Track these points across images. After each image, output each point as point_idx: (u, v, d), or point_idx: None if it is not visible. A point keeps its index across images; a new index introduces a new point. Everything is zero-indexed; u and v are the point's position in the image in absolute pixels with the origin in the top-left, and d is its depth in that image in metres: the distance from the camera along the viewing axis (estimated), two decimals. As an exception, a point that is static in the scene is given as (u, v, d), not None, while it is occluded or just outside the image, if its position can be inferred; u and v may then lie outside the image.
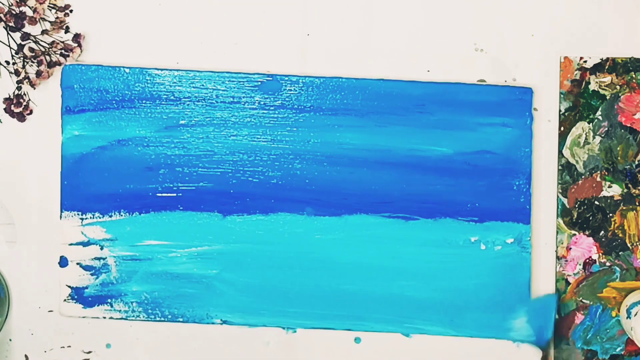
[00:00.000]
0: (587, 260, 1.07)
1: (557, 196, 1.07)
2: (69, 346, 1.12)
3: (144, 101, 1.07)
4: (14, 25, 1.07)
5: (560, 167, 1.06)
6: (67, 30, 1.08)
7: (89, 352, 1.12)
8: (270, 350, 1.10)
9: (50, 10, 1.08)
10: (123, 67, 1.08)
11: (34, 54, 1.07)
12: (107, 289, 1.09)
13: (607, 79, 1.06)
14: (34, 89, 1.08)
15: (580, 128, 1.06)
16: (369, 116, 1.06)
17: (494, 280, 1.07)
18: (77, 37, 1.07)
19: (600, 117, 1.06)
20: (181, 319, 1.09)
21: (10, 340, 1.12)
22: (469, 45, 1.07)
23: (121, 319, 1.10)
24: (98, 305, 1.10)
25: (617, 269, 1.07)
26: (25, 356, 1.12)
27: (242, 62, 1.08)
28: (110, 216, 1.08)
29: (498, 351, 1.08)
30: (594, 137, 1.06)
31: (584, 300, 1.07)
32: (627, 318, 1.03)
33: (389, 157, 1.06)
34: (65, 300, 1.10)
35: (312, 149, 1.07)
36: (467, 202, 1.06)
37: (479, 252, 1.06)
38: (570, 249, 1.07)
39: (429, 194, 1.06)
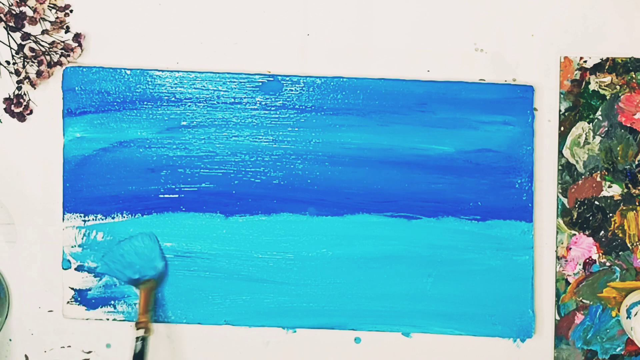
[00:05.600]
0: (587, 260, 1.07)
1: (557, 196, 1.07)
2: (69, 346, 1.11)
3: (145, 103, 1.07)
4: (14, 25, 1.07)
5: (560, 167, 1.06)
6: (67, 30, 1.07)
7: (89, 352, 1.11)
8: (270, 350, 1.10)
9: (50, 10, 1.08)
10: (124, 68, 1.07)
11: (34, 54, 1.06)
12: (110, 291, 1.09)
13: (607, 79, 1.06)
14: (35, 89, 1.08)
15: (580, 128, 1.06)
16: (371, 115, 1.06)
17: (497, 279, 1.07)
18: (77, 37, 1.07)
19: (600, 117, 1.06)
20: (185, 320, 1.09)
21: (10, 340, 1.12)
22: (469, 45, 1.07)
23: (124, 320, 1.10)
24: (101, 307, 1.10)
25: (617, 269, 1.07)
26: (25, 356, 1.12)
27: (242, 63, 1.08)
28: (113, 218, 1.08)
29: (498, 350, 1.08)
30: (594, 137, 1.06)
31: (584, 300, 1.07)
32: (627, 318, 1.04)
33: (391, 156, 1.06)
34: (68, 302, 1.09)
35: (313, 149, 1.07)
36: (470, 201, 1.06)
37: (481, 251, 1.06)
38: (570, 249, 1.07)
39: (432, 193, 1.06)
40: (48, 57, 1.07)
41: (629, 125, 1.06)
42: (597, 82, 1.06)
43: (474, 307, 1.07)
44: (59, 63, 1.07)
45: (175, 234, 1.08)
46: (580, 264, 1.07)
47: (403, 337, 1.09)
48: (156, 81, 1.07)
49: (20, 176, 1.09)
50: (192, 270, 1.09)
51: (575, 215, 1.07)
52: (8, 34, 1.07)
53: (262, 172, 1.07)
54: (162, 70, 1.08)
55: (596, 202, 1.07)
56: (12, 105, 1.08)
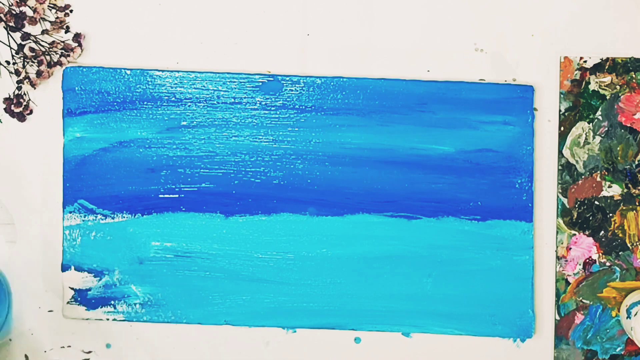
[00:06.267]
0: (587, 260, 1.07)
1: (557, 196, 1.07)
2: (69, 346, 1.11)
3: (145, 103, 1.07)
4: (14, 25, 1.07)
5: (560, 167, 1.06)
6: (67, 30, 1.07)
7: (89, 352, 1.11)
8: (270, 350, 1.10)
9: (50, 10, 1.08)
10: (124, 68, 1.07)
11: (34, 54, 1.06)
12: (110, 291, 1.09)
13: (607, 79, 1.06)
14: (34, 88, 1.08)
15: (580, 128, 1.06)
16: (371, 115, 1.06)
17: (497, 279, 1.07)
18: (77, 37, 1.07)
19: (600, 117, 1.06)
20: (185, 320, 1.09)
21: (10, 340, 1.12)
22: (469, 45, 1.07)
23: (124, 320, 1.10)
24: (101, 307, 1.10)
25: (617, 269, 1.07)
26: (25, 356, 1.12)
27: (242, 63, 1.08)
28: (113, 218, 1.08)
29: (498, 350, 1.08)
30: (594, 137, 1.06)
31: (584, 300, 1.07)
32: (627, 318, 1.04)
33: (391, 156, 1.06)
34: (68, 302, 1.09)
35: (314, 149, 1.07)
36: (470, 201, 1.06)
37: (481, 251, 1.06)
38: (570, 249, 1.07)
39: (432, 193, 1.06)
40: (48, 57, 1.07)
41: (629, 125, 1.06)
42: (597, 82, 1.06)
43: (474, 307, 1.07)
44: (59, 63, 1.07)
45: (175, 234, 1.08)
46: (580, 264, 1.07)
47: (403, 337, 1.09)
48: (156, 81, 1.07)
49: (20, 176, 1.09)
50: (192, 270, 1.09)
51: (575, 215, 1.07)
52: (8, 34, 1.07)
53: (262, 172, 1.07)
54: (162, 70, 1.08)
55: (596, 202, 1.07)
56: (12, 105, 1.08)
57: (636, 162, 1.06)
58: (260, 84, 1.07)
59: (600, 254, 1.07)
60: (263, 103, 1.07)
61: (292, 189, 1.07)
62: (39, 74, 1.07)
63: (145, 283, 1.09)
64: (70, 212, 1.08)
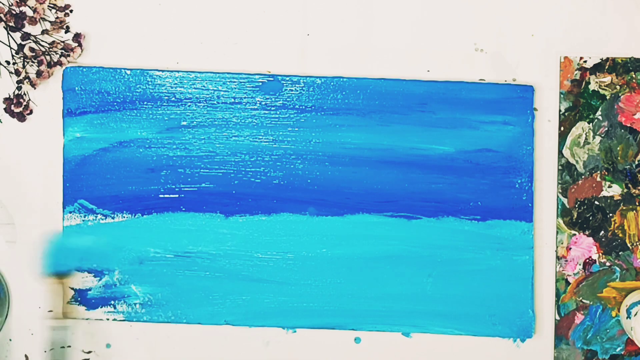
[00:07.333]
0: (587, 260, 1.07)
1: (557, 196, 1.07)
2: (69, 346, 1.11)
3: (145, 103, 1.07)
4: (14, 25, 1.07)
5: (560, 167, 1.06)
6: (67, 30, 1.07)
7: (89, 352, 1.11)
8: (270, 350, 1.10)
9: (50, 10, 1.08)
10: (124, 68, 1.07)
11: (34, 54, 1.06)
12: (110, 291, 1.09)
13: (607, 79, 1.06)
14: (35, 88, 1.08)
15: (580, 128, 1.06)
16: (371, 115, 1.06)
17: (497, 279, 1.07)
18: (77, 37, 1.07)
19: (600, 117, 1.06)
20: (185, 320, 1.09)
21: (10, 340, 1.12)
22: (469, 45, 1.07)
23: (124, 320, 1.10)
24: (101, 307, 1.10)
25: (617, 269, 1.07)
26: (25, 356, 1.12)
27: (242, 63, 1.08)
28: (113, 218, 1.08)
29: (498, 350, 1.08)
30: (594, 137, 1.06)
31: (584, 300, 1.07)
32: (627, 318, 1.04)
33: (391, 156, 1.06)
34: (68, 302, 1.09)
35: (313, 149, 1.07)
36: (470, 201, 1.06)
37: (481, 251, 1.06)
38: (570, 249, 1.07)
39: (432, 193, 1.06)
40: (48, 57, 1.07)
41: (629, 125, 1.06)
42: (597, 82, 1.06)
43: (474, 307, 1.07)
44: (59, 63, 1.07)
45: (175, 234, 1.08)
46: (580, 264, 1.07)
47: (403, 337, 1.09)
48: (156, 81, 1.07)
49: (20, 176, 1.09)
50: (192, 270, 1.09)
51: (575, 215, 1.07)
52: (8, 34, 1.07)
53: (262, 172, 1.07)
54: (162, 70, 1.08)
55: (596, 202, 1.07)
56: (12, 105, 1.08)
57: (636, 162, 1.06)
58: (260, 84, 1.07)
59: (600, 254, 1.07)
60: (263, 103, 1.07)
61: (292, 189, 1.07)
62: (39, 74, 1.07)
63: (145, 283, 1.09)
64: (70, 212, 1.08)
